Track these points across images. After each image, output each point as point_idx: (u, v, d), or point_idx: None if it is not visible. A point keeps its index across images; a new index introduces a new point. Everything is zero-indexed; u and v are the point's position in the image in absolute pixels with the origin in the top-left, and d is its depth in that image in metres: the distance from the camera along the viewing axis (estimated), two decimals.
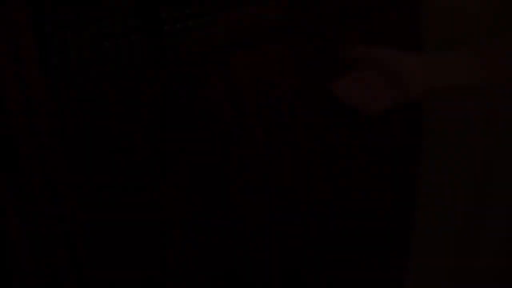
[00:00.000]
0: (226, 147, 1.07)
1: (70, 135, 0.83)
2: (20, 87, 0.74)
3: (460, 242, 1.16)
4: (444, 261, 1.28)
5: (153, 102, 0.97)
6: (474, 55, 0.95)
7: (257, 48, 1.07)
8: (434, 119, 1.14)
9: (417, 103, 1.04)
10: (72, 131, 0.88)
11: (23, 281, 0.85)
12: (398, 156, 1.51)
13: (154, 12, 1.04)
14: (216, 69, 1.00)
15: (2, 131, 0.75)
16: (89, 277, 0.88)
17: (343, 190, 1.43)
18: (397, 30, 1.04)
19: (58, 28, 0.90)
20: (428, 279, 1.29)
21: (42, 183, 0.80)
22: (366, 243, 1.20)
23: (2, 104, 0.74)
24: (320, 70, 1.11)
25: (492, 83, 0.96)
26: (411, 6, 1.40)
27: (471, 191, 1.15)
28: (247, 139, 1.10)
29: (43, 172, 0.79)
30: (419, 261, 1.54)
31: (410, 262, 1.40)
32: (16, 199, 0.81)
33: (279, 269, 1.13)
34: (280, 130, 1.16)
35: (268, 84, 1.10)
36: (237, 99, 1.06)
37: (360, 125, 1.23)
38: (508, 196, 1.42)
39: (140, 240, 0.98)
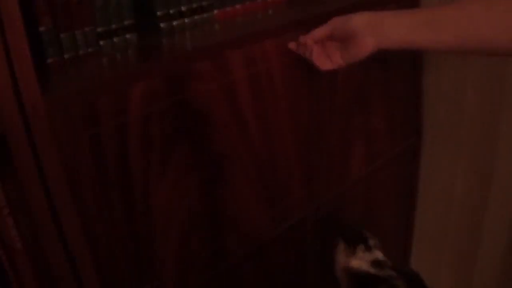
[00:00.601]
0: (222, 146, 1.07)
1: (65, 134, 0.82)
2: (14, 87, 0.74)
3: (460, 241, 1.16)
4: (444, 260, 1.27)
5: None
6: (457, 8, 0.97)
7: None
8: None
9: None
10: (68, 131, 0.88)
11: (20, 281, 0.85)
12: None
13: (150, 10, 1.04)
14: (213, 66, 0.99)
15: None
16: (87, 276, 0.88)
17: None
18: None
19: (52, 27, 0.89)
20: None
21: (37, 183, 0.79)
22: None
23: None
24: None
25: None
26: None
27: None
28: (244, 136, 1.10)
29: (38, 171, 0.79)
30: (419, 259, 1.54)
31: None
32: (11, 200, 0.81)
33: None
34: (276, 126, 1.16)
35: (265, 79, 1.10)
36: (234, 95, 1.05)
37: None
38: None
39: (140, 240, 0.98)
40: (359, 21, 1.02)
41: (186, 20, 1.07)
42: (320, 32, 1.09)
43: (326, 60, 1.09)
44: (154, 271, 1.03)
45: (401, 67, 1.54)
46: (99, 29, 0.96)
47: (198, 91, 0.98)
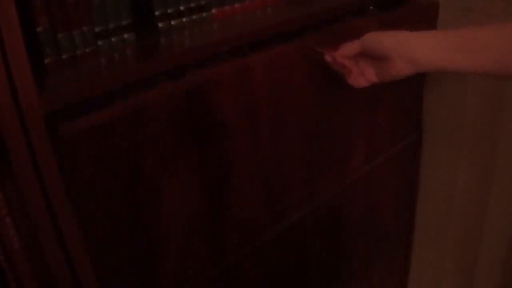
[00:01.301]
0: (231, 149, 1.07)
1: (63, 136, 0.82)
2: (11, 87, 0.74)
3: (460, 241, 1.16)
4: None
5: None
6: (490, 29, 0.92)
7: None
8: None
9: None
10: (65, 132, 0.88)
11: (18, 281, 0.85)
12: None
13: (148, 9, 1.03)
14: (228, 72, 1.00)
15: None
16: (85, 276, 0.88)
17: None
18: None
19: (50, 27, 0.89)
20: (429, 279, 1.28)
21: (35, 183, 0.79)
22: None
23: None
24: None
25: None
26: None
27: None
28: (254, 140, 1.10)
29: (36, 172, 0.79)
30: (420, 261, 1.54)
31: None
32: (10, 200, 0.81)
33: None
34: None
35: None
36: (249, 102, 1.06)
37: None
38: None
39: (141, 240, 0.98)
40: (390, 44, 0.99)
41: (185, 20, 1.07)
42: (350, 48, 1.06)
43: (360, 77, 1.07)
44: (154, 271, 1.03)
45: None
46: (97, 29, 0.95)
47: (214, 97, 0.99)
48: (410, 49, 0.97)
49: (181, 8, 1.06)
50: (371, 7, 1.58)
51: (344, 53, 1.07)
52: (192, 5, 1.07)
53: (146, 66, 0.96)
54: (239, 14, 1.16)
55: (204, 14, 1.10)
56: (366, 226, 1.58)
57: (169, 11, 1.04)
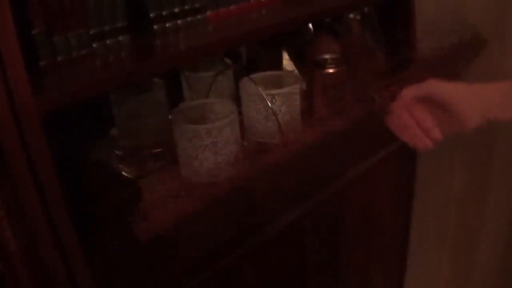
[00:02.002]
0: None
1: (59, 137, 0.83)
2: (6, 89, 0.74)
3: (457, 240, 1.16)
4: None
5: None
6: None
7: None
8: None
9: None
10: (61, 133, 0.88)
11: (15, 282, 0.86)
12: None
13: (143, 12, 1.04)
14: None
15: None
16: (81, 277, 0.88)
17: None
18: None
19: (45, 29, 0.90)
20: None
21: (31, 184, 0.79)
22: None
23: None
24: None
25: None
26: None
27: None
28: None
29: (32, 173, 0.79)
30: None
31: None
32: (6, 202, 0.81)
33: None
34: None
35: None
36: None
37: None
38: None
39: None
40: (461, 94, 0.96)
41: (179, 22, 1.08)
42: (412, 92, 1.03)
43: (423, 137, 1.04)
44: (152, 268, 1.04)
45: None
46: (92, 31, 0.96)
47: None
48: (484, 100, 0.95)
49: (176, 10, 1.07)
50: (366, 8, 1.60)
51: (406, 98, 1.01)
52: (187, 7, 1.08)
53: (141, 67, 0.97)
54: (234, 16, 1.17)
55: (198, 16, 1.11)
56: (364, 226, 1.58)
57: (164, 13, 1.05)
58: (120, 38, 1.00)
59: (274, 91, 1.34)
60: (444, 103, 0.97)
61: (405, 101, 0.99)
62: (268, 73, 1.45)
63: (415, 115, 0.98)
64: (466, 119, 0.95)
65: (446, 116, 0.98)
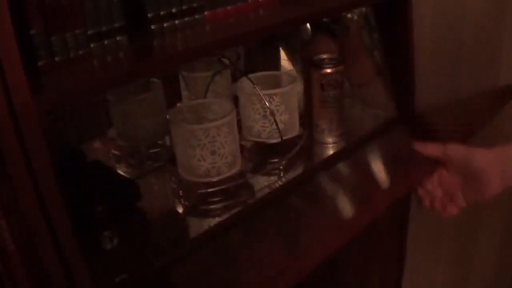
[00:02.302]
0: None
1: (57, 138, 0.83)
2: (4, 90, 0.74)
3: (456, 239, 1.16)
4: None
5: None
6: None
7: None
8: None
9: None
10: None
11: (13, 283, 0.86)
12: None
13: (140, 12, 1.04)
14: None
15: None
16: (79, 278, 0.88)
17: None
18: None
19: (43, 29, 0.90)
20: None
21: (29, 184, 0.79)
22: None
23: None
24: None
25: None
26: None
27: None
28: None
29: (30, 174, 0.79)
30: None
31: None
32: (4, 201, 0.81)
33: None
34: None
35: None
36: None
37: None
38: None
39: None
40: (483, 161, 0.96)
41: (177, 22, 1.08)
42: (433, 151, 1.04)
43: (448, 203, 1.04)
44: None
45: None
46: (90, 32, 0.96)
47: None
48: (505, 170, 0.95)
49: (174, 10, 1.07)
50: (364, 9, 1.60)
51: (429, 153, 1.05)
52: (185, 7, 1.08)
53: (139, 68, 0.97)
54: (231, 16, 1.17)
55: (196, 16, 1.10)
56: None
57: (161, 13, 1.05)
58: (118, 38, 1.00)
59: (272, 91, 1.34)
60: (468, 171, 0.97)
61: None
62: (266, 73, 1.45)
63: (442, 183, 0.99)
64: (488, 188, 0.95)
65: (467, 182, 0.98)
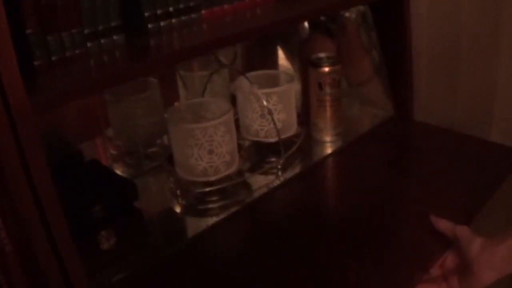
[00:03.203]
0: None
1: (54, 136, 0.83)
2: (0, 91, 0.74)
3: None
4: None
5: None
6: None
7: None
8: None
9: None
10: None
11: (10, 283, 0.86)
12: None
13: (137, 11, 1.04)
14: None
15: None
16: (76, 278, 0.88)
17: None
18: None
19: (39, 29, 0.89)
20: None
21: (25, 185, 0.79)
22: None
23: None
24: None
25: None
26: None
27: None
28: None
29: (26, 174, 0.79)
30: None
31: None
32: (0, 202, 0.81)
33: None
34: None
35: None
36: None
37: None
38: None
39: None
40: (477, 252, 0.96)
41: (174, 21, 1.07)
42: (445, 227, 1.06)
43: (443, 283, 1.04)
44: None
45: None
46: (86, 31, 0.96)
47: None
48: (502, 266, 0.94)
49: (170, 9, 1.06)
50: (361, 7, 1.60)
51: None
52: (181, 6, 1.08)
53: (135, 67, 0.97)
54: (228, 15, 1.16)
55: (193, 15, 1.10)
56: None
57: (158, 12, 1.05)
58: (115, 37, 1.00)
59: (269, 90, 1.34)
60: (465, 257, 0.98)
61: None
62: (263, 72, 1.45)
63: (443, 264, 1.04)
64: (477, 280, 0.95)
65: (464, 268, 0.99)
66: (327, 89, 1.44)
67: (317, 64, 1.43)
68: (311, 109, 1.51)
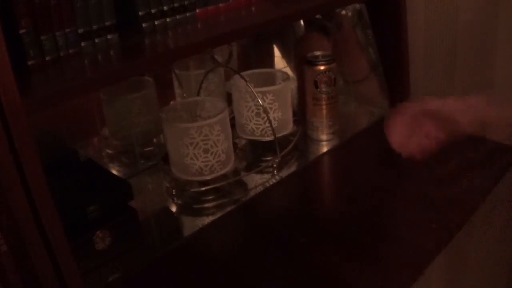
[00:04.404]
0: None
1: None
2: None
3: None
4: None
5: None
6: None
7: None
8: None
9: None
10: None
11: (5, 283, 0.85)
12: None
13: (131, 10, 1.04)
14: None
15: None
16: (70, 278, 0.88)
17: None
18: None
19: (32, 28, 0.89)
20: None
21: (18, 185, 0.79)
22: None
23: None
24: None
25: None
26: None
27: None
28: None
29: (19, 174, 0.79)
30: None
31: None
32: None
33: None
34: None
35: None
36: None
37: None
38: None
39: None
40: (453, 105, 1.09)
41: (168, 20, 1.07)
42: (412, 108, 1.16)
43: (428, 143, 1.14)
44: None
45: None
46: (80, 30, 0.96)
47: None
48: (476, 110, 1.04)
49: (165, 8, 1.06)
50: (357, 5, 1.60)
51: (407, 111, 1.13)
52: (176, 5, 1.08)
53: (130, 66, 0.97)
54: (223, 14, 1.16)
55: (188, 14, 1.10)
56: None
57: (152, 11, 1.05)
58: (109, 36, 1.00)
59: (265, 89, 1.34)
60: (440, 113, 1.00)
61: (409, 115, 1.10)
62: (259, 70, 1.45)
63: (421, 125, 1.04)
64: (462, 124, 0.98)
65: (442, 124, 1.01)
66: (323, 88, 1.44)
67: (313, 62, 1.43)
68: (307, 107, 1.50)
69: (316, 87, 1.44)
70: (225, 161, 1.23)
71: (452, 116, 1.03)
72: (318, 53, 1.47)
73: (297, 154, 1.46)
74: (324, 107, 1.47)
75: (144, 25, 1.05)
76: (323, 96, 1.45)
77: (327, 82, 1.43)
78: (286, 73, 1.44)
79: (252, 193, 1.30)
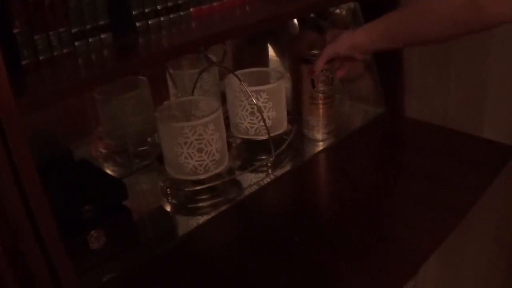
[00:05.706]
0: None
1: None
2: None
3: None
4: None
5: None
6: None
7: None
8: None
9: None
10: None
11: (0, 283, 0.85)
12: None
13: (125, 9, 1.03)
14: None
15: None
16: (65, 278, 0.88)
17: None
18: None
19: (26, 28, 0.89)
20: None
21: (12, 184, 0.79)
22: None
23: None
24: None
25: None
26: None
27: None
28: None
29: (13, 173, 0.78)
30: None
31: None
32: None
33: None
34: None
35: None
36: None
37: None
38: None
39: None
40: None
41: (162, 19, 1.07)
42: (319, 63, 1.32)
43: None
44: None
45: None
46: (74, 30, 0.95)
47: None
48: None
49: (158, 7, 1.06)
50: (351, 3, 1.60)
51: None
52: (170, 4, 1.07)
53: (124, 66, 0.97)
54: (217, 13, 1.16)
55: (181, 13, 1.10)
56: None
57: (146, 10, 1.04)
58: (103, 36, 1.00)
59: (259, 88, 1.34)
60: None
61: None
62: (253, 69, 1.45)
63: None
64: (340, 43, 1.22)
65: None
66: (320, 87, 1.44)
67: (311, 61, 1.43)
68: (303, 106, 1.50)
69: (313, 86, 1.44)
70: (220, 160, 1.23)
71: (336, 38, 1.24)
72: (315, 51, 1.47)
73: (292, 153, 1.46)
74: (320, 106, 1.47)
75: (138, 24, 1.04)
76: (320, 95, 1.45)
77: (325, 81, 1.43)
78: (280, 72, 1.45)
79: (246, 192, 1.30)
